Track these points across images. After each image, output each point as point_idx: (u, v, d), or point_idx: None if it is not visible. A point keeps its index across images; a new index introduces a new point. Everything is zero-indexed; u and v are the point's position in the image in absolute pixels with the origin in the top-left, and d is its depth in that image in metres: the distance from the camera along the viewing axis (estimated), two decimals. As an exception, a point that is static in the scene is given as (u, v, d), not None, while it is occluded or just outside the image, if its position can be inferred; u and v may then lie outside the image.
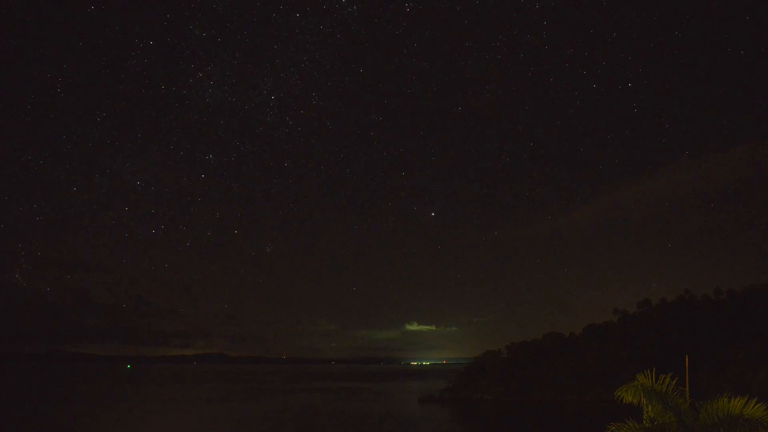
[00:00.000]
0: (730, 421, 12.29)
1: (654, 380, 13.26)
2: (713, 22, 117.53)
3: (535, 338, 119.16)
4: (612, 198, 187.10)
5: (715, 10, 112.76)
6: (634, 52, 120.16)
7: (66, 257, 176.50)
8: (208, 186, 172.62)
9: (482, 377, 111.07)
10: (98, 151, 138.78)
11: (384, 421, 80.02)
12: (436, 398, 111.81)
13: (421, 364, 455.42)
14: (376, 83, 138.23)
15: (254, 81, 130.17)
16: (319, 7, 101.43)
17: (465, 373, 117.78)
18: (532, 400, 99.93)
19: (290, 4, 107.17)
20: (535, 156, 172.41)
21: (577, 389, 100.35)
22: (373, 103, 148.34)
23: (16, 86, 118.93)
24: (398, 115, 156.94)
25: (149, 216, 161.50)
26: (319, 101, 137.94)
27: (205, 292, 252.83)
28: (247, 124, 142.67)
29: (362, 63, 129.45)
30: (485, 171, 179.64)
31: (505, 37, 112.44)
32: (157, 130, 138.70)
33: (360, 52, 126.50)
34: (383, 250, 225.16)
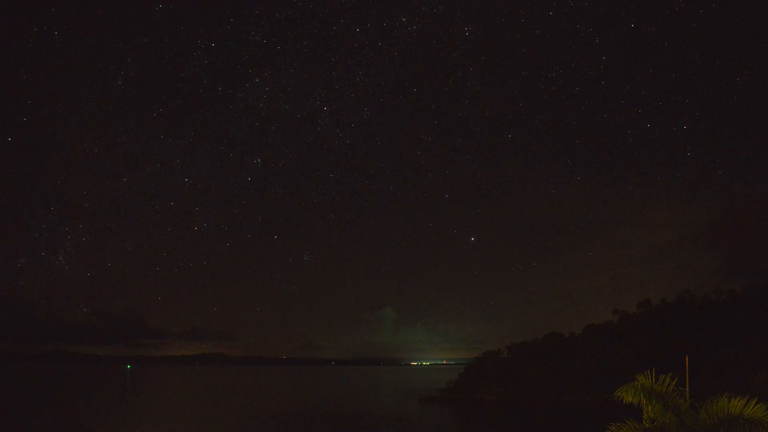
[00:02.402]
0: (730, 421, 12.31)
1: (654, 380, 13.28)
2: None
3: (535, 338, 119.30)
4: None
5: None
6: (690, 94, 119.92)
7: (109, 245, 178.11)
8: (253, 190, 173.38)
9: (482, 377, 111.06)
10: (151, 145, 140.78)
11: (384, 421, 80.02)
12: (436, 398, 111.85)
13: (421, 364, 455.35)
14: (428, 103, 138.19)
15: (309, 91, 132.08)
16: (379, 24, 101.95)
17: (465, 373, 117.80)
18: (532, 400, 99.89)
19: (351, 18, 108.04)
20: (582, 189, 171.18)
21: (577, 389, 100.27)
22: (423, 123, 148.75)
23: (80, 75, 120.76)
24: (447, 136, 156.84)
25: (193, 213, 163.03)
26: (370, 116, 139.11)
27: (231, 293, 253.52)
28: (298, 132, 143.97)
29: (416, 82, 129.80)
30: (530, 201, 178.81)
31: (562, 69, 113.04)
32: (209, 131, 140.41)
33: (415, 71, 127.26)
34: (417, 269, 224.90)
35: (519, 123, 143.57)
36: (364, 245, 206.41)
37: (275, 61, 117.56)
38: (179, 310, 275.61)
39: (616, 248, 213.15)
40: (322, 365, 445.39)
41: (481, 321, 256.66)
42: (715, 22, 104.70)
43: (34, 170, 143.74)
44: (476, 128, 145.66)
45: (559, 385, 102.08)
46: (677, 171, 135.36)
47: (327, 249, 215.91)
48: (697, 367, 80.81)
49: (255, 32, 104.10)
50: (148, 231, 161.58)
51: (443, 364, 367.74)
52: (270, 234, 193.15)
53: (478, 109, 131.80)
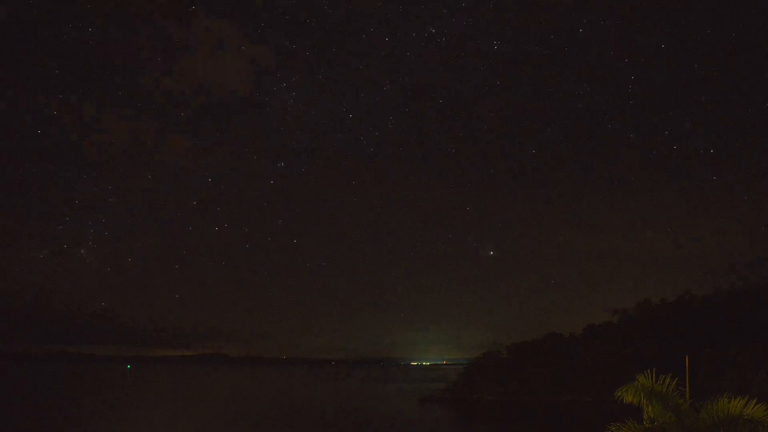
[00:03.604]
0: (730, 421, 12.32)
1: (654, 380, 13.29)
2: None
3: (535, 338, 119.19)
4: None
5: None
6: (718, 118, 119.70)
7: (130, 240, 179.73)
8: (275, 192, 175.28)
9: (482, 377, 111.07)
10: (177, 144, 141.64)
11: (384, 421, 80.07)
12: (436, 398, 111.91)
13: (421, 364, 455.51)
14: (454, 115, 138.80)
15: (335, 97, 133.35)
16: (408, 34, 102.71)
17: (465, 373, 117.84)
18: (532, 400, 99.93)
19: (381, 27, 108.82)
20: (603, 206, 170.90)
21: (577, 389, 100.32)
22: (448, 135, 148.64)
23: (111, 72, 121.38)
24: (472, 149, 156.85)
25: (215, 213, 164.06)
26: (394, 125, 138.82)
27: (247, 294, 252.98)
28: (322, 138, 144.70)
29: (443, 93, 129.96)
30: (551, 217, 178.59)
31: (590, 87, 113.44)
32: (234, 132, 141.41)
33: (442, 82, 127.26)
34: (432, 278, 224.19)
35: (543, 139, 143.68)
36: (382, 253, 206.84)
37: (304, 67, 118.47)
38: (194, 309, 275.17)
39: (636, 263, 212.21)
40: (322, 365, 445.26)
41: (484, 323, 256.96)
42: (746, 47, 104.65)
43: (61, 163, 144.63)
44: (500, 142, 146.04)
45: (559, 385, 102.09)
46: (701, 193, 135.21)
47: (346, 255, 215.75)
48: (697, 367, 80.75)
49: (285, 37, 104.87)
50: (170, 228, 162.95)
51: (443, 364, 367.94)
52: (289, 237, 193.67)
53: (503, 122, 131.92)
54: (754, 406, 12.29)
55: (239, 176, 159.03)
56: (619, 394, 13.54)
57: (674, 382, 13.27)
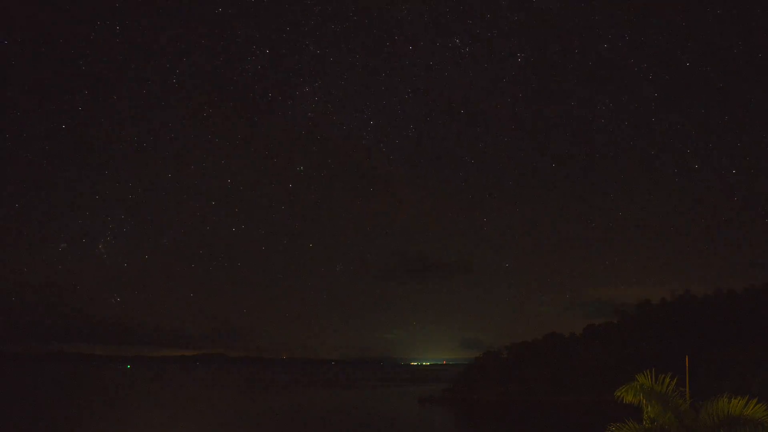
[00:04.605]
0: (730, 421, 12.31)
1: (654, 380, 13.27)
2: None
3: (535, 338, 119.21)
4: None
5: None
6: (742, 139, 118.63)
7: (147, 238, 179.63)
8: (293, 196, 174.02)
9: (482, 377, 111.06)
10: (197, 144, 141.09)
11: (384, 421, 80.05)
12: (436, 398, 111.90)
13: (421, 364, 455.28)
14: (474, 126, 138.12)
15: (357, 104, 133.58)
16: (432, 44, 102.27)
17: (465, 374, 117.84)
18: (532, 400, 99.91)
19: (405, 36, 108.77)
20: (623, 224, 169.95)
21: (577, 389, 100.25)
22: (467, 145, 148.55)
23: (137, 69, 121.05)
24: (491, 161, 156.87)
25: (233, 214, 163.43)
26: (414, 134, 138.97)
27: (259, 296, 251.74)
28: (343, 143, 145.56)
29: (465, 104, 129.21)
30: (569, 232, 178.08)
31: (612, 103, 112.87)
32: (255, 134, 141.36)
33: (464, 92, 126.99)
34: (435, 281, 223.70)
35: (564, 153, 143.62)
36: (384, 253, 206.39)
37: (327, 72, 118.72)
38: (194, 308, 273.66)
39: (636, 263, 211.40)
40: (322, 365, 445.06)
41: (484, 324, 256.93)
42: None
43: (85, 158, 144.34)
44: (520, 155, 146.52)
45: (559, 385, 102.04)
46: (722, 215, 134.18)
47: (359, 261, 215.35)
48: (697, 367, 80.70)
49: (309, 42, 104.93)
50: (187, 228, 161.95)
51: (443, 364, 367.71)
52: (306, 242, 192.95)
53: (525, 135, 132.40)
54: (754, 407, 12.27)
55: (259, 179, 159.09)
56: (619, 394, 13.53)
57: (674, 382, 13.26)
